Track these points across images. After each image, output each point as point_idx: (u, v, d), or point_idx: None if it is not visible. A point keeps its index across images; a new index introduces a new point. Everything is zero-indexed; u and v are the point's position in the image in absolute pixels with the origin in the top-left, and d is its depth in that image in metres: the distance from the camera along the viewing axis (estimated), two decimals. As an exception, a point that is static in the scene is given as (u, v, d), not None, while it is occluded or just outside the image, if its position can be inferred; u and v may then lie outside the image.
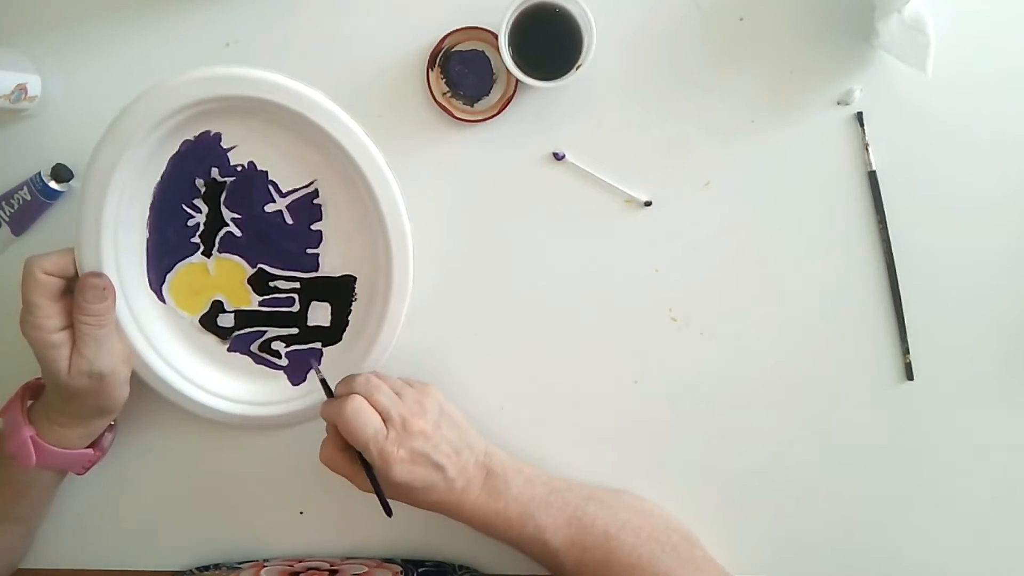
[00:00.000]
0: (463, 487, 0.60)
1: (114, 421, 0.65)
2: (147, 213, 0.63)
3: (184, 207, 0.64)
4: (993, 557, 0.68)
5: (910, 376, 0.67)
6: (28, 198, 0.66)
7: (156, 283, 0.65)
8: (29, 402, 0.62)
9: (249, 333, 0.66)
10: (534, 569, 0.67)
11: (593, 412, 0.68)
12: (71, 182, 0.66)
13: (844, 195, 0.66)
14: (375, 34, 0.66)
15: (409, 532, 0.68)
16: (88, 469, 0.64)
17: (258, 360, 0.67)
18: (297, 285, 0.65)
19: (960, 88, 0.65)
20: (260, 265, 0.65)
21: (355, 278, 0.65)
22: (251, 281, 0.65)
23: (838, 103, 0.65)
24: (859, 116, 0.65)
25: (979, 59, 0.64)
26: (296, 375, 0.66)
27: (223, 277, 0.65)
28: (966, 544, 0.68)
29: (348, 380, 0.60)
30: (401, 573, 0.64)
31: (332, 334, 0.66)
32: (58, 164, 0.66)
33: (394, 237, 0.62)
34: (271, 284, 0.65)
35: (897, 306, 0.66)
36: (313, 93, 0.60)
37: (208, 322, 0.66)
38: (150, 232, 0.64)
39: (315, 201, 0.64)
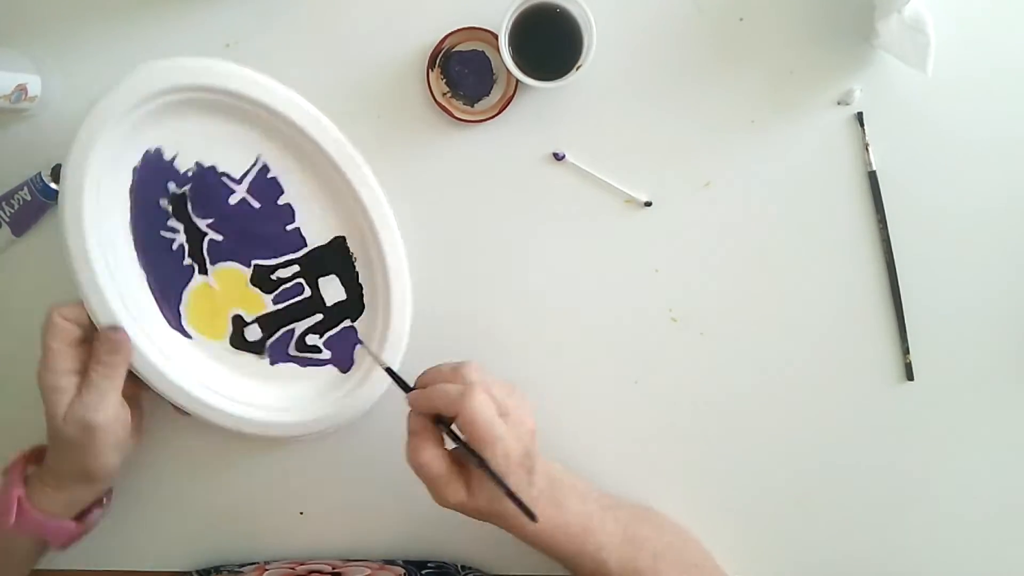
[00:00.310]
0: (536, 495, 0.55)
1: (106, 500, 0.65)
2: (134, 254, 0.63)
3: (162, 233, 0.64)
4: (993, 557, 0.68)
5: (910, 376, 0.67)
6: (28, 198, 0.66)
7: (174, 320, 0.65)
8: (32, 468, 0.62)
9: (280, 337, 0.66)
10: (535, 569, 0.67)
11: (593, 412, 0.68)
12: (71, 182, 0.66)
13: (844, 195, 0.66)
14: (375, 34, 0.66)
15: (410, 533, 0.68)
16: (67, 546, 0.62)
17: (303, 362, 0.66)
18: (297, 268, 0.65)
19: (960, 88, 0.65)
20: (254, 262, 0.65)
21: (344, 237, 0.65)
22: (254, 282, 0.65)
23: (838, 103, 0.65)
24: (859, 116, 0.65)
25: (979, 59, 0.64)
26: (343, 361, 0.66)
27: (228, 288, 0.65)
28: (966, 544, 0.68)
29: (457, 367, 0.56)
30: (405, 573, 0.64)
31: (353, 306, 0.66)
32: (58, 164, 0.66)
33: (354, 178, 0.62)
34: (272, 277, 0.65)
35: (897, 306, 0.66)
36: (220, 64, 0.60)
37: (238, 341, 0.66)
38: (145, 271, 0.64)
39: (269, 176, 0.64)
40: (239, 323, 0.65)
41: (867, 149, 0.65)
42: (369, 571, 0.64)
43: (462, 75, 0.65)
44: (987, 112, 0.65)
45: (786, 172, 0.66)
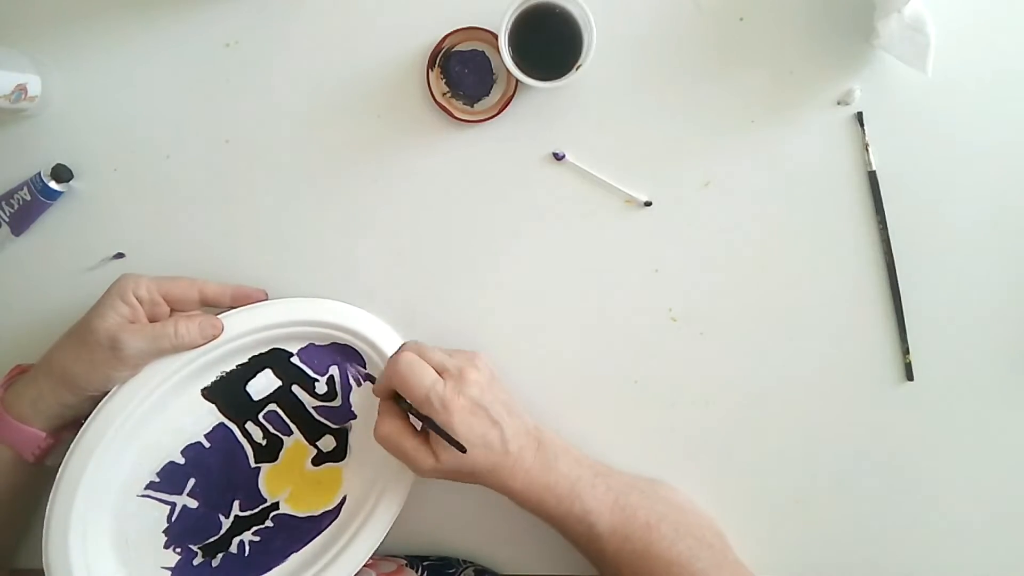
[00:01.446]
0: (517, 452, 0.59)
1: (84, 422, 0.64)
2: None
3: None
4: (993, 556, 0.68)
5: (910, 376, 0.67)
6: (28, 198, 0.66)
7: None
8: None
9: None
10: (539, 563, 0.67)
11: (593, 412, 0.68)
12: (71, 182, 0.66)
13: (844, 195, 0.66)
14: (375, 34, 0.66)
15: (410, 530, 0.68)
16: (39, 458, 0.62)
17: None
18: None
19: (960, 88, 0.65)
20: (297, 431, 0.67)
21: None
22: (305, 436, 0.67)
23: (838, 103, 0.65)
24: (859, 116, 0.65)
25: (979, 59, 0.64)
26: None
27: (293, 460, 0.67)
28: (966, 543, 0.67)
29: (399, 349, 0.60)
30: (406, 564, 0.65)
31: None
32: (58, 164, 0.66)
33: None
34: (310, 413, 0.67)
35: (897, 306, 0.66)
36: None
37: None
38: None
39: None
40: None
41: (867, 149, 0.65)
42: (372, 560, 0.64)
43: (462, 75, 0.65)
44: (987, 112, 0.65)
45: (786, 172, 0.66)
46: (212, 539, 0.65)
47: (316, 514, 0.66)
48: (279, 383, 0.66)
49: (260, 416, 0.66)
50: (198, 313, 0.64)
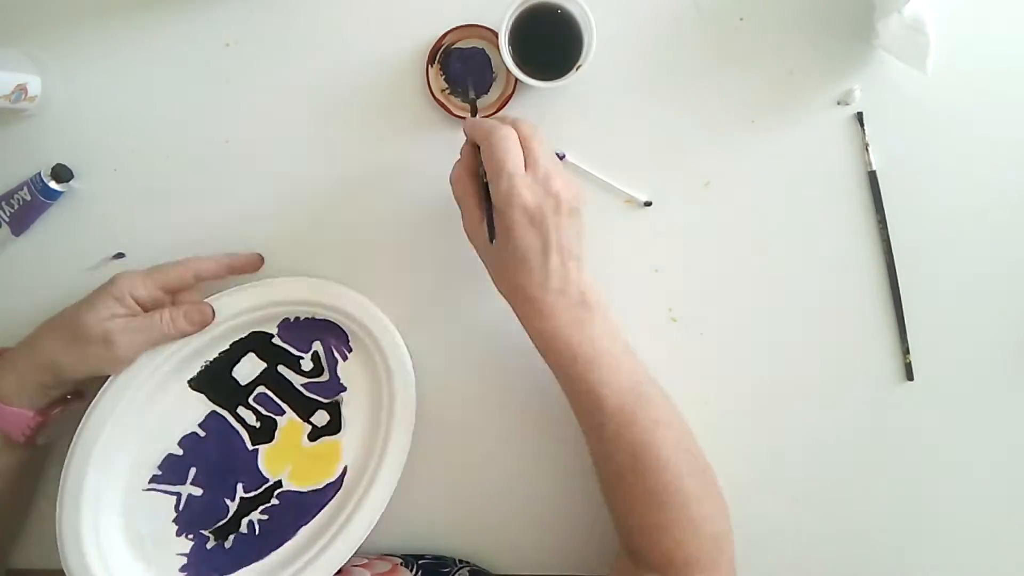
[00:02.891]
0: (556, 292, 0.56)
1: (71, 397, 0.64)
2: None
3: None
4: (992, 556, 0.68)
5: (910, 376, 0.67)
6: (28, 198, 0.66)
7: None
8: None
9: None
10: (538, 567, 0.67)
11: (593, 412, 0.68)
12: (71, 182, 0.66)
13: (844, 195, 0.66)
14: (375, 30, 0.66)
15: (406, 530, 0.68)
16: (28, 438, 0.61)
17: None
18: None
19: (960, 88, 0.65)
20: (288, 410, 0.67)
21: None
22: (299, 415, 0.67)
23: (838, 103, 0.65)
24: (859, 116, 0.65)
25: (979, 59, 0.64)
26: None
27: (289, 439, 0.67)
28: (966, 543, 0.67)
29: (512, 119, 0.58)
30: (401, 564, 0.65)
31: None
32: (58, 164, 0.66)
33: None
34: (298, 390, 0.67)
35: (897, 306, 0.66)
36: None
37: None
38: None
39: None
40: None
41: (867, 149, 0.65)
42: (366, 560, 0.64)
43: (462, 72, 0.65)
44: (987, 112, 0.65)
45: (786, 172, 0.66)
46: (221, 522, 0.65)
47: (319, 487, 0.66)
48: (264, 365, 0.66)
49: (250, 400, 0.66)
50: (188, 300, 0.64)
